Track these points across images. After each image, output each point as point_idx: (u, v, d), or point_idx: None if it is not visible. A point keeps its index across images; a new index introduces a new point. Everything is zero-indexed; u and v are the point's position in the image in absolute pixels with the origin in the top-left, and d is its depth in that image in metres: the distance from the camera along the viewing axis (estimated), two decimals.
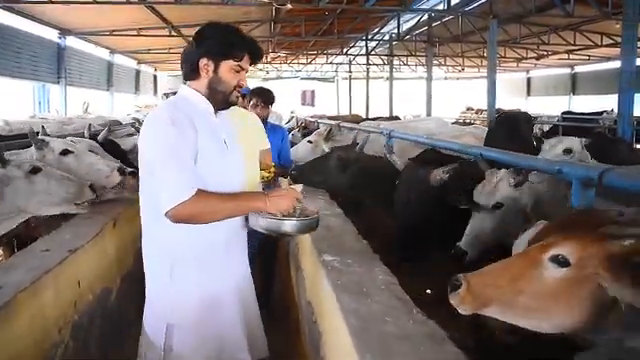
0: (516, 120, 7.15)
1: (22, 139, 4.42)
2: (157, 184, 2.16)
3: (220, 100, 2.39)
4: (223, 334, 2.42)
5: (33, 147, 3.94)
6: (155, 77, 29.88)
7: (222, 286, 2.44)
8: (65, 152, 4.01)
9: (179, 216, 2.11)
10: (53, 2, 11.27)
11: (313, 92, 38.19)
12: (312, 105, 35.55)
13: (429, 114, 16.68)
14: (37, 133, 4.31)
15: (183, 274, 2.33)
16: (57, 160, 3.92)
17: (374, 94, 26.81)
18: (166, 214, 2.10)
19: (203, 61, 2.32)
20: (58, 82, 16.56)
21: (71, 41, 17.25)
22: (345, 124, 7.63)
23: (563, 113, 18.52)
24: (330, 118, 12.55)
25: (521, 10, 13.29)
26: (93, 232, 3.17)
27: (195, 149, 2.22)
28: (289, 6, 10.83)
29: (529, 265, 1.74)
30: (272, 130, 4.76)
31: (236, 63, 2.34)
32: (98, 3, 11.42)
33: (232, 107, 2.51)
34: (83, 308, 2.80)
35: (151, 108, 14.19)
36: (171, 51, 22.01)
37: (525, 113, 11.47)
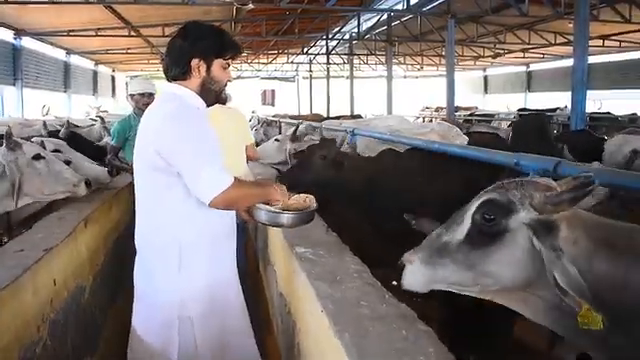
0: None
1: None
2: (190, 175, 2.22)
3: (212, 98, 2.47)
4: (232, 322, 2.53)
5: (3, 148, 3.89)
6: (113, 78, 29.42)
7: (227, 275, 2.55)
8: (37, 157, 3.94)
9: (222, 202, 2.23)
10: (8, 2, 11.05)
11: (273, 92, 38.20)
12: (272, 105, 35.55)
13: (390, 112, 16.93)
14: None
15: (191, 267, 2.38)
16: (28, 164, 3.88)
17: (335, 93, 26.98)
18: (209, 203, 2.20)
19: (195, 61, 2.36)
20: (14, 84, 16.25)
21: (27, 42, 16.92)
22: (313, 123, 7.75)
23: (519, 110, 19.08)
24: (291, 117, 12.61)
25: (478, 10, 13.62)
26: (66, 232, 3.17)
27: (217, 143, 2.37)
28: (251, 5, 10.88)
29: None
30: None
31: (225, 61, 2.43)
32: (55, 3, 11.26)
33: (218, 105, 2.65)
34: (59, 306, 2.83)
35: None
36: (129, 51, 21.83)
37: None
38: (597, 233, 1.71)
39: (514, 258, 1.74)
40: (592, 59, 24.54)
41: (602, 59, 24.37)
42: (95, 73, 25.81)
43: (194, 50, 2.36)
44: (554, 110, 16.43)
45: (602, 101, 17.42)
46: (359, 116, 15.04)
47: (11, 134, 3.97)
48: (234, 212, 2.56)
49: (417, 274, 1.83)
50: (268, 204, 2.42)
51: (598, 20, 14.03)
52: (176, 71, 2.40)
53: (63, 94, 21.26)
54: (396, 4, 14.64)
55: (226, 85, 2.51)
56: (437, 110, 23.73)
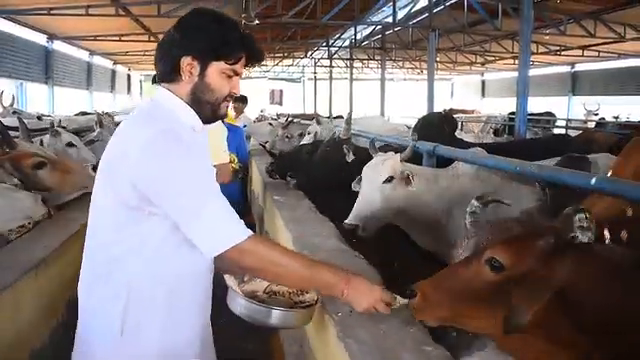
0: (439, 118, 8.81)
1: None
2: (190, 224, 1.72)
3: (206, 112, 1.89)
4: None
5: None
6: (129, 76, 31.24)
7: (184, 337, 1.94)
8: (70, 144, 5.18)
9: (239, 259, 1.75)
10: (51, 14, 12.92)
11: (281, 91, 39.91)
12: (280, 104, 37.24)
13: (383, 113, 18.64)
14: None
15: (140, 329, 1.83)
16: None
17: (339, 94, 28.68)
18: (223, 254, 1.72)
19: (186, 60, 1.80)
20: (46, 82, 18.13)
21: (57, 44, 18.75)
22: (305, 121, 9.55)
23: (509, 114, 20.58)
24: (294, 116, 14.39)
25: (456, 25, 15.39)
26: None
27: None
28: (257, 22, 12.66)
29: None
30: (230, 130, 5.08)
31: (229, 66, 1.85)
32: (90, 15, 13.13)
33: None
34: None
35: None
36: (146, 54, 23.65)
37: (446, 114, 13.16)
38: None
39: None
40: (577, 67, 26.52)
41: (585, 67, 26.27)
42: (113, 72, 27.53)
43: (185, 45, 1.80)
44: (542, 114, 17.76)
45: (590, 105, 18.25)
46: (340, 117, 16.64)
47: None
48: (208, 260, 1.94)
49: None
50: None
51: (565, 35, 15.74)
52: (162, 69, 1.87)
53: (85, 91, 23.07)
54: (387, 17, 16.36)
55: (228, 99, 1.92)
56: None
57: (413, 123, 14.57)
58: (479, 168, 3.67)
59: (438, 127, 5.57)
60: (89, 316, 1.87)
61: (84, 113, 12.62)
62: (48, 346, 2.99)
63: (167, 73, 1.84)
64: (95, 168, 3.57)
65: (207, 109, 1.88)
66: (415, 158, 4.56)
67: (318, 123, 7.02)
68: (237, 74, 1.89)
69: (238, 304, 1.92)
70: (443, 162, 4.22)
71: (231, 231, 1.73)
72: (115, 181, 1.77)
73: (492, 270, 1.74)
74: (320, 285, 1.87)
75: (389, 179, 3.50)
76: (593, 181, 2.61)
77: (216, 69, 1.83)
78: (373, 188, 3.51)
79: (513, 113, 19.36)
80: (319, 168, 4.72)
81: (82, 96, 22.76)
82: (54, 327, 3.14)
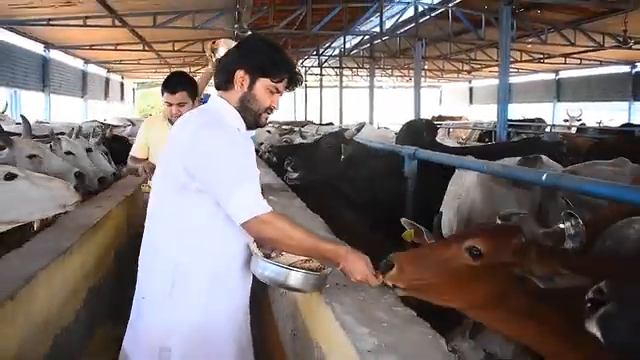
0: (420, 124, 9.39)
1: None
2: (226, 197, 2.03)
3: (249, 119, 2.26)
4: None
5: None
6: (122, 84, 31.57)
7: (223, 317, 2.26)
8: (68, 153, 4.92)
9: (259, 230, 2.06)
10: (50, 25, 13.34)
11: None
12: None
13: (371, 120, 19.11)
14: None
15: (184, 296, 2.15)
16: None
17: (329, 101, 29.16)
18: (244, 225, 2.03)
19: (240, 73, 2.18)
20: (43, 90, 18.50)
21: (53, 53, 19.13)
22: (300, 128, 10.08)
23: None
24: (284, 123, 14.88)
25: (442, 34, 15.97)
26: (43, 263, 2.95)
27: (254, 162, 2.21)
28: (249, 32, 13.14)
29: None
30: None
31: (273, 84, 2.21)
32: (87, 26, 13.56)
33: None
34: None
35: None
36: (140, 62, 24.09)
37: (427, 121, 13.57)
38: None
39: None
40: (562, 74, 27.19)
41: (569, 74, 26.96)
42: (107, 80, 27.85)
43: (241, 60, 2.20)
44: (532, 120, 18.23)
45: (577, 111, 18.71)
46: (331, 123, 17.11)
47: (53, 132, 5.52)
48: (248, 250, 2.28)
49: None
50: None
51: (547, 44, 16.34)
52: (220, 79, 2.26)
53: (80, 99, 23.40)
54: (375, 27, 16.90)
55: (268, 111, 2.28)
56: None
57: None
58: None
59: (420, 133, 6.00)
60: (145, 282, 2.25)
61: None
62: (74, 325, 3.37)
63: (223, 82, 2.25)
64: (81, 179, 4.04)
65: (250, 116, 2.25)
66: (397, 161, 5.05)
67: (302, 137, 7.56)
68: (278, 92, 2.26)
69: (260, 267, 2.14)
70: (423, 164, 4.69)
71: (256, 205, 2.02)
72: (171, 168, 2.15)
73: (471, 256, 2.02)
74: (324, 255, 2.14)
75: None
76: (544, 177, 3.07)
77: (262, 84, 2.21)
78: None
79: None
80: (317, 161, 5.10)
81: (77, 104, 23.12)
82: (77, 310, 3.53)
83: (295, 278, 2.10)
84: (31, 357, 2.60)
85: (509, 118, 20.84)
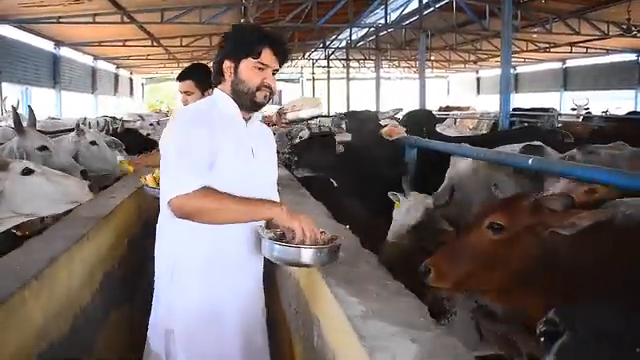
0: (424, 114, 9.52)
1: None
2: (167, 178, 2.15)
3: (245, 101, 2.28)
4: (221, 350, 2.32)
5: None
6: (131, 80, 31.86)
7: (224, 299, 2.30)
8: (93, 143, 5.38)
9: (182, 208, 2.07)
10: (60, 22, 13.61)
11: (280, 92, 40.46)
12: (279, 104, 37.73)
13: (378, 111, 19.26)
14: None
15: (183, 279, 2.26)
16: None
17: (336, 93, 29.29)
18: (169, 203, 2.08)
19: (226, 63, 2.27)
20: (54, 87, 18.85)
21: (64, 50, 19.45)
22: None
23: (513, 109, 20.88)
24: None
25: (446, 25, 16.11)
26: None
27: (212, 152, 2.15)
28: None
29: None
30: None
31: (255, 60, 2.23)
32: (96, 23, 13.81)
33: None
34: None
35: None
36: (149, 58, 24.32)
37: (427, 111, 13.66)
38: None
39: None
40: (568, 63, 27.21)
41: (575, 63, 26.96)
42: (116, 76, 28.15)
43: (224, 52, 2.29)
44: (541, 110, 18.26)
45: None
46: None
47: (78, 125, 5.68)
48: (254, 232, 2.27)
49: None
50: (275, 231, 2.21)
51: (552, 33, 16.42)
52: (214, 77, 2.36)
53: (90, 95, 23.71)
54: (380, 19, 17.05)
55: (262, 89, 2.28)
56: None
57: None
58: None
59: (420, 122, 6.22)
60: (155, 267, 2.39)
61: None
62: (91, 306, 3.59)
63: (216, 76, 2.35)
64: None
65: (245, 99, 2.28)
66: (397, 149, 5.27)
67: (309, 129, 7.73)
68: (266, 67, 2.27)
69: (268, 248, 2.15)
70: (422, 151, 4.93)
71: (182, 184, 2.06)
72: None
73: (493, 232, 2.15)
74: (260, 213, 2.19)
75: None
76: (530, 162, 3.28)
77: (246, 65, 2.25)
78: None
79: (516, 109, 20.03)
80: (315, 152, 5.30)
81: (87, 100, 23.44)
82: (94, 292, 3.73)
83: (305, 255, 2.11)
84: (54, 331, 2.82)
85: (518, 107, 21.26)
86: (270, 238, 2.16)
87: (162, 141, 2.27)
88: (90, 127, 6.14)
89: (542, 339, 1.27)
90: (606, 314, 1.26)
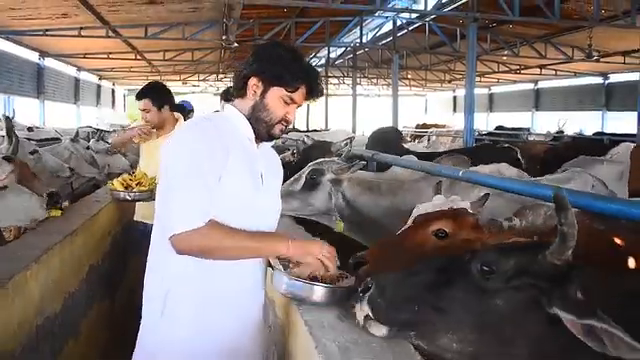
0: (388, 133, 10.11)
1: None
2: (170, 203, 1.91)
3: (262, 130, 2.12)
4: None
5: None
6: (113, 91, 32.34)
7: (213, 334, 2.06)
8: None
9: (185, 245, 1.88)
10: (46, 35, 14.08)
11: None
12: None
13: (354, 128, 19.88)
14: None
15: (176, 311, 2.02)
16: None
17: (316, 109, 29.61)
18: (171, 238, 1.87)
19: (253, 80, 2.08)
20: (38, 97, 19.22)
21: (48, 61, 19.86)
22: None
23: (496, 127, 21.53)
24: None
25: (418, 46, 16.90)
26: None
27: (219, 172, 1.95)
28: (236, 44, 13.97)
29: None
30: None
31: (288, 93, 2.07)
32: (83, 37, 14.31)
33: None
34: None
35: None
36: (132, 70, 24.76)
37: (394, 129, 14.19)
38: (356, 183, 4.65)
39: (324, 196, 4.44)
40: (540, 84, 28.24)
41: (546, 85, 28.04)
42: (99, 87, 28.56)
43: (255, 68, 2.08)
44: (517, 129, 19.24)
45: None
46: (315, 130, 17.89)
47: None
48: (260, 260, 2.18)
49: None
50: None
51: (519, 56, 17.26)
52: (235, 86, 2.17)
53: (73, 105, 24.09)
54: (357, 38, 17.71)
55: (283, 122, 2.13)
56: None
57: None
58: None
59: (386, 139, 6.81)
60: (145, 300, 2.12)
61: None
62: (78, 292, 4.10)
63: (237, 89, 2.14)
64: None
65: (262, 127, 2.11)
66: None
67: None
68: (294, 102, 2.11)
69: (283, 282, 2.06)
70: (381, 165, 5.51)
71: (188, 217, 1.86)
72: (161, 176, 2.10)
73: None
74: (268, 251, 2.08)
75: None
76: (460, 173, 3.85)
77: (276, 93, 2.07)
78: None
79: (498, 128, 20.80)
80: None
81: (70, 110, 23.81)
82: (81, 280, 4.24)
83: (317, 292, 2.05)
84: (48, 307, 3.33)
85: (500, 125, 22.00)
86: (284, 270, 2.12)
87: (167, 154, 2.02)
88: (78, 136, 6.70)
89: (361, 294, 1.78)
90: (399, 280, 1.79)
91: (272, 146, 2.41)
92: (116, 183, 4.06)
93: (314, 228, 4.21)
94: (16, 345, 2.85)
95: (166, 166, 1.98)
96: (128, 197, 3.89)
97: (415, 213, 2.64)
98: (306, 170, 4.17)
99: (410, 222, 2.59)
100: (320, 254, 2.06)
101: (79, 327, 4.11)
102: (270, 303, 2.79)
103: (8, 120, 5.46)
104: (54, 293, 3.51)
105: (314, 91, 2.13)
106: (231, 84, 2.40)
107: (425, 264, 1.83)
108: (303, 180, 4.07)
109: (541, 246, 1.54)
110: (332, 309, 2.15)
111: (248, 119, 2.11)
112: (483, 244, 2.11)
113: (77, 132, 6.72)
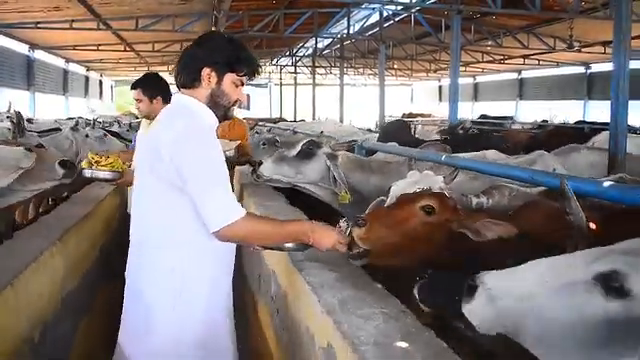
0: (400, 124, 10.45)
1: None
2: (200, 201, 2.09)
3: (220, 113, 2.31)
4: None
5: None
6: (101, 82, 32.39)
7: (224, 307, 2.41)
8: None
9: (231, 236, 2.13)
10: (38, 28, 14.25)
11: (248, 96, 40.64)
12: (248, 109, 38.07)
13: (341, 118, 20.23)
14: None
15: (191, 298, 2.25)
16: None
17: (303, 98, 30.08)
18: (216, 233, 2.08)
19: (206, 70, 2.21)
20: (28, 89, 19.39)
21: (37, 53, 19.98)
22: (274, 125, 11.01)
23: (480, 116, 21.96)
24: (259, 120, 15.90)
25: (404, 37, 17.23)
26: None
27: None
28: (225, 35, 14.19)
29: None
30: None
31: (238, 77, 2.27)
32: (73, 29, 14.49)
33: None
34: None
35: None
36: (120, 61, 24.88)
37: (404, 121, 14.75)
38: (352, 160, 5.01)
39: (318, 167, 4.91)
40: (523, 74, 28.69)
41: (530, 74, 28.49)
42: (87, 78, 28.59)
43: (207, 59, 2.22)
44: (503, 118, 19.46)
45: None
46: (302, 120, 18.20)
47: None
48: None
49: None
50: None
51: (502, 46, 17.67)
52: (185, 78, 2.27)
53: (62, 97, 24.20)
54: (344, 29, 18.01)
55: (236, 104, 2.36)
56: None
57: (367, 126, 16.41)
58: None
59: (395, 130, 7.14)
60: (146, 293, 2.29)
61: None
62: (77, 289, 4.04)
63: (189, 80, 2.27)
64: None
65: (220, 111, 2.31)
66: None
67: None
68: (242, 84, 2.34)
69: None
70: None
71: (230, 211, 2.09)
72: (161, 168, 2.17)
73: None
74: (293, 237, 2.28)
75: None
76: (443, 157, 4.21)
77: (229, 79, 2.27)
78: None
79: (482, 117, 21.12)
80: None
81: (59, 101, 23.94)
82: (83, 274, 4.25)
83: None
84: (56, 295, 3.46)
85: (484, 114, 22.41)
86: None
87: (179, 158, 2.13)
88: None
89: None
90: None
91: (265, 138, 2.67)
92: (84, 163, 3.70)
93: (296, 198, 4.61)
94: (48, 316, 3.16)
95: (186, 170, 2.11)
96: (91, 174, 3.50)
97: (393, 191, 2.87)
98: (304, 140, 4.44)
99: (390, 200, 2.80)
100: (336, 243, 2.27)
101: (94, 303, 4.40)
102: (271, 274, 3.18)
103: (19, 115, 5.74)
104: (64, 279, 3.67)
105: (256, 73, 2.37)
106: None
107: None
108: (299, 149, 4.31)
109: None
110: (332, 272, 2.53)
111: (208, 106, 2.29)
112: (460, 226, 2.32)
113: (77, 122, 6.98)
